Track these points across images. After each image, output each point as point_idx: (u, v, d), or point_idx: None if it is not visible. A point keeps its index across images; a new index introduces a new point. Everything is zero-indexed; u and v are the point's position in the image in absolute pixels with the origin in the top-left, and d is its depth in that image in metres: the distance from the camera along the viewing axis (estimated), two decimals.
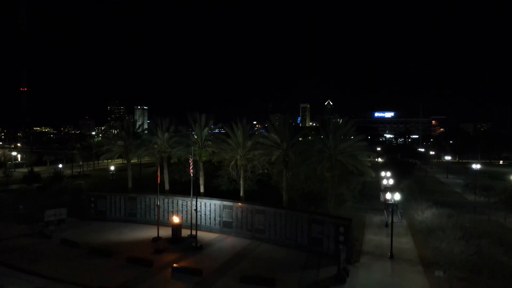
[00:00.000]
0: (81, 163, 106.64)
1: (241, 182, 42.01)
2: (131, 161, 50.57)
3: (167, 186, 45.81)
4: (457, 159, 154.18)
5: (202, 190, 44.53)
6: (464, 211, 53.59)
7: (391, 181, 44.94)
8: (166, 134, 43.93)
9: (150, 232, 39.81)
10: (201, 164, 44.25)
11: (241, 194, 42.00)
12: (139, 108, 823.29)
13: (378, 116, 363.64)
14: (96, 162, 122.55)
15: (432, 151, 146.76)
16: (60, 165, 76.13)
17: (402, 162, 71.10)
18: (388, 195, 32.24)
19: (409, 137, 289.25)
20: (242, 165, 41.11)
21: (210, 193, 45.76)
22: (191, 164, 36.91)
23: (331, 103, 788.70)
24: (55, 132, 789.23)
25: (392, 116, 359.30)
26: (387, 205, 31.88)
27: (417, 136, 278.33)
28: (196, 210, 35.74)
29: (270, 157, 39.05)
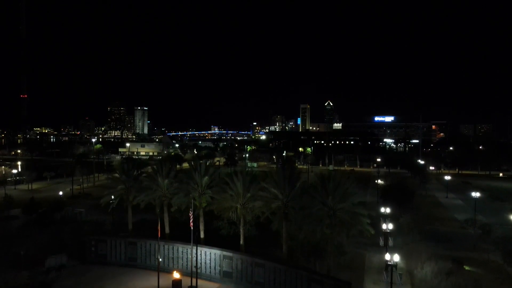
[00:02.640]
0: (81, 180, 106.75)
1: (241, 230, 42.20)
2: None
3: (167, 230, 46.07)
4: (457, 170, 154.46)
5: (202, 235, 44.76)
6: (464, 246, 53.86)
7: (390, 226, 45.12)
8: (166, 181, 44.19)
9: (150, 281, 39.92)
10: (201, 211, 44.45)
11: (241, 242, 42.17)
12: (139, 109, 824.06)
13: (378, 120, 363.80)
14: (96, 175, 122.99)
15: (432, 165, 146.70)
16: (61, 193, 76.19)
17: (403, 189, 71.20)
18: (388, 256, 32.47)
19: (409, 142, 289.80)
20: (242, 214, 41.28)
21: (210, 237, 45.93)
22: (191, 217, 37.11)
23: (331, 104, 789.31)
24: (55, 133, 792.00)
25: (392, 120, 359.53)
26: (386, 265, 32.32)
27: (417, 141, 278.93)
28: (196, 266, 35.90)
29: (270, 208, 39.32)
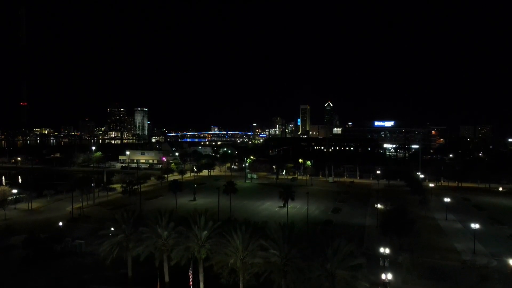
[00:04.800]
0: (81, 199, 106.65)
1: (240, 284, 42.20)
2: None
3: (167, 278, 46.10)
4: (456, 182, 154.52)
5: (202, 287, 44.75)
6: (463, 285, 53.82)
7: (389, 276, 45.21)
8: (166, 233, 44.27)
9: None
10: (201, 262, 44.42)
11: None
12: (139, 110, 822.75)
13: (378, 125, 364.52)
14: (96, 191, 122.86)
15: (431, 179, 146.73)
16: (60, 223, 76.18)
17: (402, 219, 71.24)
18: None
19: (409, 148, 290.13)
20: (241, 269, 41.29)
21: (210, 285, 45.84)
22: (190, 277, 37.18)
23: (331, 105, 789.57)
24: (55, 134, 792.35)
25: (392, 125, 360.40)
26: None
27: (417, 146, 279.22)
28: None
29: (270, 268, 39.45)
